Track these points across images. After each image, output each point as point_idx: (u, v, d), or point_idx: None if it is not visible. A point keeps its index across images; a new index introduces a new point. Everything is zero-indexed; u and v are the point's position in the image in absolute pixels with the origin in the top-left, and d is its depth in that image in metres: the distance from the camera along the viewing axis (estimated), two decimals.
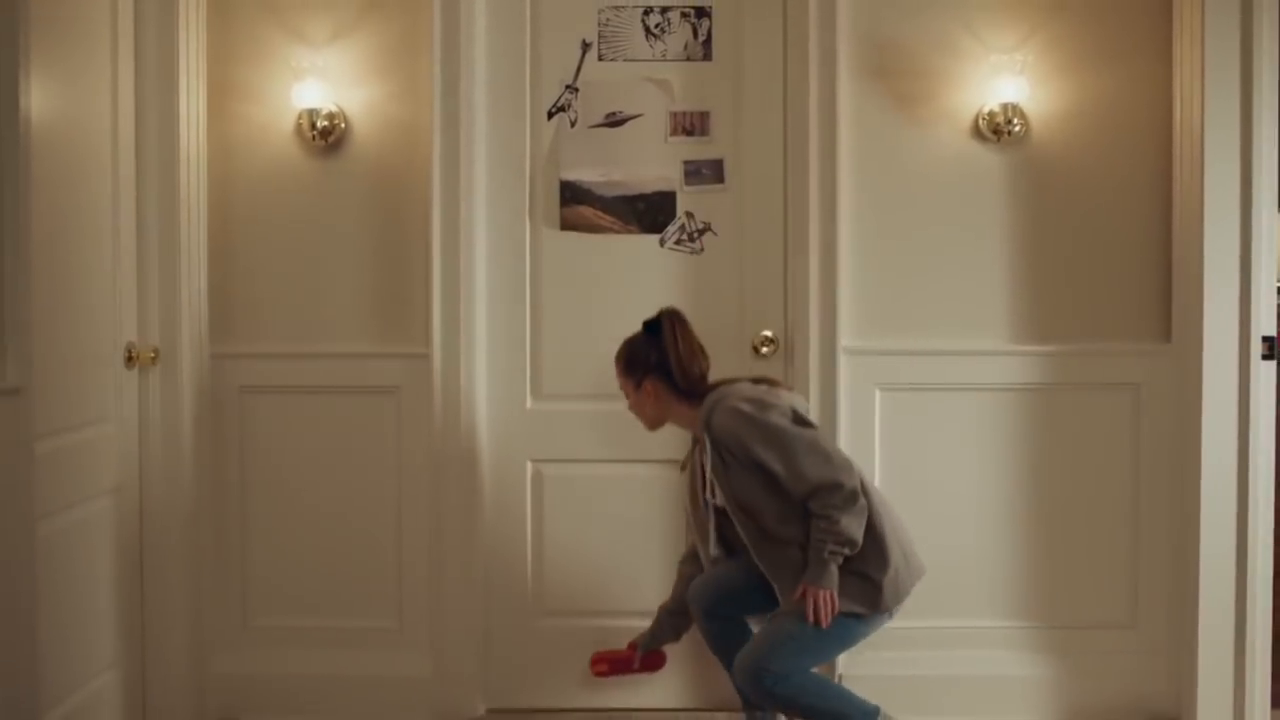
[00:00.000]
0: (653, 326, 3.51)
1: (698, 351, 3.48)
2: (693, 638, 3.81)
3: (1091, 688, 3.90)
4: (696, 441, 3.50)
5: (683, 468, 3.66)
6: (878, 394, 3.85)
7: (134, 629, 3.64)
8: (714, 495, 3.41)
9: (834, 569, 3.24)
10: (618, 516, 3.99)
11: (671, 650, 3.85)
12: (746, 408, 3.32)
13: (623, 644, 3.86)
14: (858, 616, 3.27)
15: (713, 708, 3.90)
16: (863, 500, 3.27)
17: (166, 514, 3.69)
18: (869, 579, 3.27)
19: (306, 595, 3.97)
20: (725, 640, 3.52)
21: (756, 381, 3.47)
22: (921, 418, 3.89)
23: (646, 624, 3.87)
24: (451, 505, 3.89)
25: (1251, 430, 3.72)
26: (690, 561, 3.63)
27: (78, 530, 3.30)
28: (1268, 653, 3.76)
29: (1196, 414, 3.74)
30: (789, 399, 3.41)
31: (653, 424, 3.56)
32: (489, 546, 3.98)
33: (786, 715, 3.42)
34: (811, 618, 3.22)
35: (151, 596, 3.69)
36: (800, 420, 3.34)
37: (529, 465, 3.99)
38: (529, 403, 3.99)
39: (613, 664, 3.76)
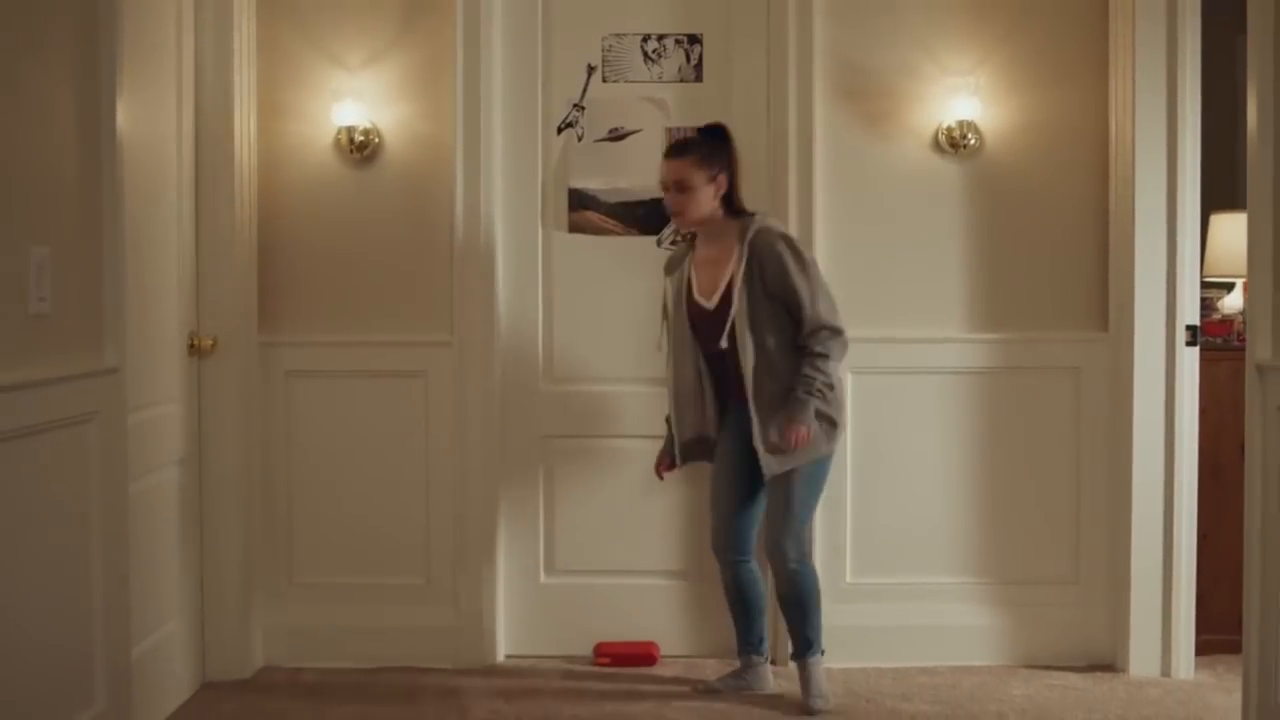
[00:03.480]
0: (716, 133, 3.76)
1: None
2: (680, 601, 4.18)
3: (1039, 636, 4.16)
4: (692, 250, 3.77)
5: (668, 271, 3.86)
6: (850, 377, 4.06)
7: (195, 584, 3.92)
8: (731, 301, 3.63)
9: (812, 407, 3.61)
10: (620, 486, 4.22)
11: (666, 608, 4.19)
12: (792, 237, 3.71)
13: (625, 603, 4.18)
14: (827, 457, 3.71)
15: (703, 655, 4.17)
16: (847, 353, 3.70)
17: (223, 483, 3.95)
18: (835, 422, 3.69)
19: (345, 555, 4.18)
20: (742, 588, 3.87)
21: None
22: (889, 398, 4.13)
23: (646, 583, 4.23)
24: (473, 476, 4.12)
25: (1177, 408, 4.01)
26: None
27: (152, 495, 3.60)
28: (1192, 606, 4.05)
29: (1129, 394, 4.03)
30: None
31: (698, 220, 3.71)
32: (506, 512, 4.21)
33: (788, 605, 3.77)
34: (793, 444, 3.59)
35: (210, 556, 3.95)
36: None
37: (541, 440, 4.23)
38: (541, 385, 4.23)
39: (614, 657, 4.13)
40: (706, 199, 3.71)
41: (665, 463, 3.92)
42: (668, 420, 3.90)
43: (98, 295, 3.04)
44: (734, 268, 3.67)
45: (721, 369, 3.78)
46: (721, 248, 3.73)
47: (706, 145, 3.75)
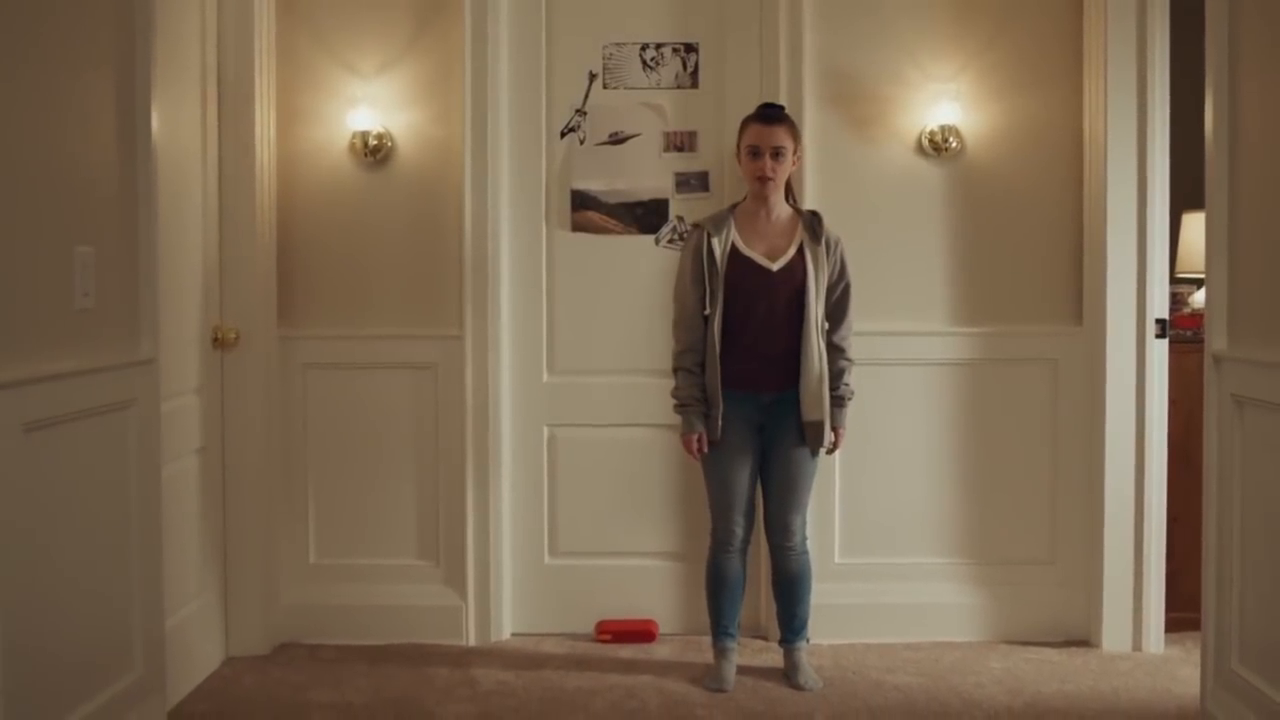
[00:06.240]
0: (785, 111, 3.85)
1: None
2: (677, 580, 4.31)
3: (1017, 613, 4.32)
4: (732, 217, 3.78)
5: (714, 231, 3.76)
6: None
7: (218, 565, 4.08)
8: (795, 268, 3.72)
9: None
10: (620, 472, 4.38)
11: (664, 587, 4.33)
12: None
13: (625, 584, 4.32)
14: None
15: (699, 632, 4.27)
16: None
17: (244, 469, 4.11)
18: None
19: (360, 538, 4.33)
20: (740, 573, 3.94)
21: None
22: (876, 389, 4.25)
23: (644, 564, 4.36)
24: (480, 463, 4.27)
25: (1147, 397, 4.17)
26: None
27: (178, 480, 3.77)
28: (1162, 585, 4.21)
29: (1102, 384, 4.19)
30: None
31: (777, 189, 3.78)
32: (511, 497, 4.36)
33: (793, 584, 3.90)
34: (833, 450, 3.90)
35: (232, 538, 4.12)
36: None
37: (545, 429, 4.39)
38: (545, 376, 4.38)
39: (615, 634, 4.30)
40: (788, 169, 3.80)
41: (705, 439, 3.80)
42: (693, 399, 3.78)
43: (134, 291, 3.23)
44: (798, 244, 3.77)
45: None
46: (778, 224, 3.81)
47: (791, 119, 3.84)
